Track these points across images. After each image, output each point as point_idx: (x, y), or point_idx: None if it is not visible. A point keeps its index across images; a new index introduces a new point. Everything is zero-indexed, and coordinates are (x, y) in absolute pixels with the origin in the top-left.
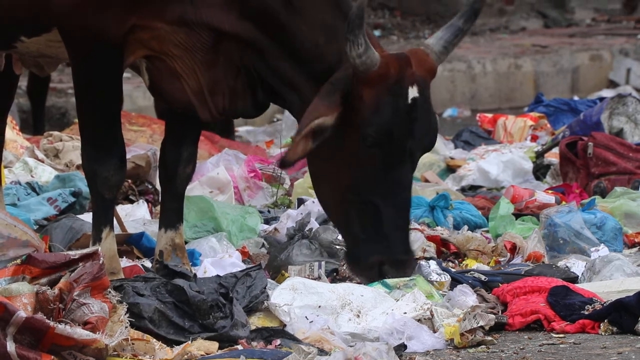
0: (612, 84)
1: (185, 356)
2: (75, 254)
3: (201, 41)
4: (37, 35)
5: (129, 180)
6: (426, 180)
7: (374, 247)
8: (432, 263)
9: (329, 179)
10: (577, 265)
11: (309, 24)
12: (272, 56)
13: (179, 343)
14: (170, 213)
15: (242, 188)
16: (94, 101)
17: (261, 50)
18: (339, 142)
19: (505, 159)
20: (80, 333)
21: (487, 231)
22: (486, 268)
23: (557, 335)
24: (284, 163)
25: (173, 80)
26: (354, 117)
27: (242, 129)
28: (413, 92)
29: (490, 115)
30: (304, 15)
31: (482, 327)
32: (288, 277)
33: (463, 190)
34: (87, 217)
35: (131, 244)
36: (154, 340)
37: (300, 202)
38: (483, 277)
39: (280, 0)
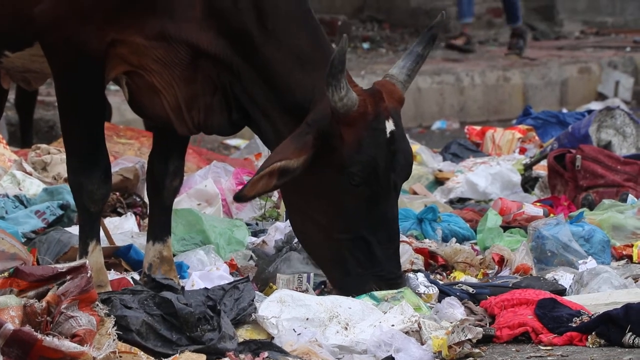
0: (601, 97)
1: None
2: (63, 267)
3: (179, 57)
4: (20, 50)
5: (117, 193)
6: (414, 193)
7: (367, 277)
8: (420, 275)
9: (315, 219)
10: (565, 278)
11: (283, 50)
12: (246, 79)
13: (166, 356)
14: (158, 226)
15: (230, 201)
16: (77, 115)
17: (237, 72)
18: (321, 184)
19: (493, 172)
20: (68, 346)
21: (476, 243)
22: (474, 280)
23: (544, 348)
24: (240, 198)
25: (151, 95)
26: (335, 157)
27: (231, 141)
28: (390, 126)
29: (478, 128)
30: (278, 41)
31: (469, 339)
32: (276, 289)
33: (451, 202)
34: (75, 229)
35: (119, 256)
36: (142, 353)
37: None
38: (471, 290)
39: (255, 23)
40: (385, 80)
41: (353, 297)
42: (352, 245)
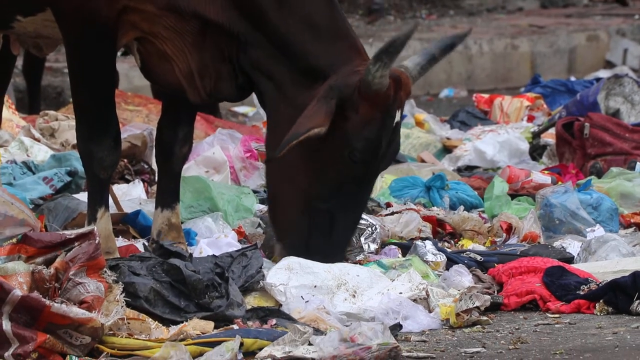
0: (609, 65)
1: (181, 335)
2: (71, 233)
3: (190, 26)
4: (32, 15)
5: (125, 160)
6: (422, 161)
7: (314, 250)
8: (428, 243)
9: (297, 180)
10: (572, 246)
11: (296, 18)
12: (256, 48)
13: (174, 322)
14: (167, 193)
15: (238, 168)
16: (88, 82)
17: (245, 41)
18: (319, 149)
19: (501, 140)
20: (76, 312)
21: (483, 211)
22: (482, 248)
23: (552, 316)
24: (272, 159)
25: (163, 62)
26: (344, 127)
27: (239, 109)
28: (398, 115)
29: (486, 96)
30: (292, 11)
31: (477, 307)
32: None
33: (459, 170)
34: (83, 196)
35: (127, 223)
36: (150, 319)
37: None
38: (479, 258)
39: None
40: (401, 71)
41: (361, 263)
42: (319, 217)
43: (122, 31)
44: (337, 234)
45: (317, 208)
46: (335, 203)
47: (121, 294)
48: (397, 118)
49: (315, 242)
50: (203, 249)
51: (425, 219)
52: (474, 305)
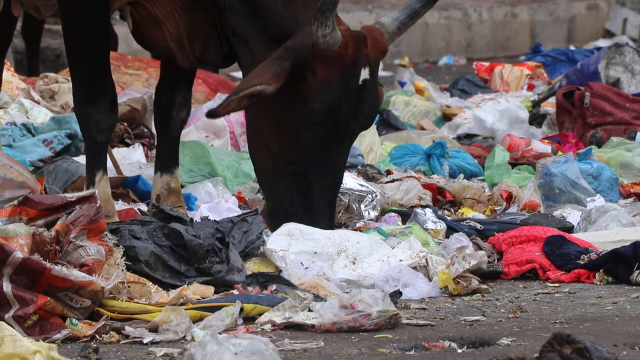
0: (609, 34)
1: (181, 300)
2: (72, 196)
3: None
4: None
5: (125, 124)
6: (422, 128)
7: (298, 218)
8: (428, 211)
9: (268, 145)
10: (572, 215)
11: None
12: (232, 11)
13: (174, 287)
14: (166, 157)
15: (238, 133)
16: (82, 45)
17: (224, 5)
18: (282, 112)
19: (501, 108)
20: (76, 275)
21: (483, 180)
22: (482, 217)
23: (552, 285)
24: (213, 115)
25: (154, 26)
26: (302, 89)
27: (237, 74)
28: (365, 74)
29: (487, 64)
30: None
31: (476, 274)
32: None
33: (459, 138)
34: (83, 159)
35: (127, 187)
36: (150, 283)
37: None
38: (479, 226)
39: None
40: (373, 27)
41: (361, 230)
42: (294, 181)
43: None
44: (315, 198)
45: (291, 172)
46: (307, 166)
47: (122, 257)
48: (365, 76)
49: (295, 207)
50: (203, 213)
51: (426, 186)
52: (470, 265)
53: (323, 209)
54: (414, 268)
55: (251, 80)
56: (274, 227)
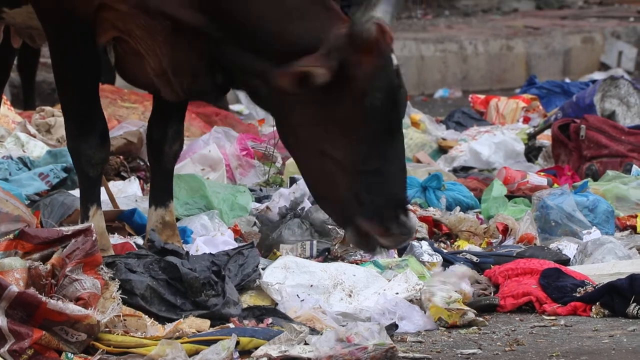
0: (604, 67)
1: (177, 333)
2: (67, 229)
3: (161, 25)
4: (17, 7)
5: (121, 157)
6: (418, 161)
7: (382, 213)
8: (424, 244)
9: (331, 155)
10: (569, 248)
11: (258, 6)
12: (227, 45)
13: (170, 320)
14: (160, 191)
15: (234, 166)
16: (71, 79)
17: (217, 39)
18: (339, 116)
19: (497, 141)
20: (72, 309)
21: (479, 212)
22: (478, 249)
23: (548, 318)
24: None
25: (136, 60)
26: (353, 86)
27: (235, 107)
28: (395, 59)
29: (482, 97)
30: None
31: (472, 306)
32: (280, 255)
33: (455, 171)
34: (79, 193)
35: (123, 220)
36: (146, 316)
37: (292, 180)
38: (475, 259)
39: None
40: (380, 20)
41: (358, 263)
42: (369, 179)
43: (101, 29)
44: (394, 184)
45: (363, 171)
46: (377, 159)
47: (117, 291)
48: (395, 61)
49: (373, 203)
50: (199, 246)
51: (422, 219)
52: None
53: (401, 189)
54: (410, 301)
55: (301, 62)
56: (362, 245)
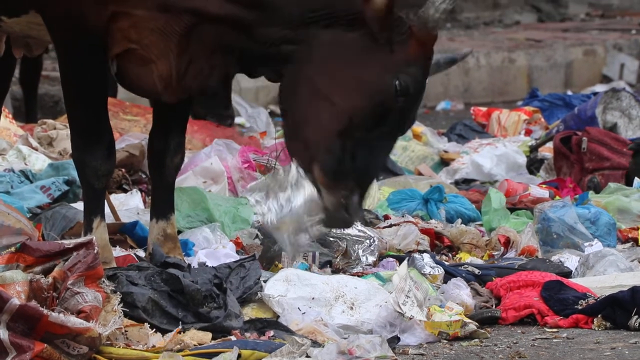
0: (606, 79)
1: (178, 345)
2: (69, 242)
3: (180, 25)
4: (17, 17)
5: (123, 170)
6: (420, 174)
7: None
8: (426, 256)
9: (338, 98)
10: (570, 260)
11: None
12: (262, 24)
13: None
14: (161, 203)
15: (235, 179)
16: (79, 91)
17: (248, 25)
18: (367, 77)
19: (499, 153)
20: (73, 322)
21: (481, 225)
22: (480, 262)
23: (550, 330)
24: None
25: (140, 67)
26: (394, 58)
27: (237, 119)
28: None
29: (484, 109)
30: None
31: (474, 319)
32: (282, 268)
33: (456, 183)
34: (81, 205)
35: (125, 233)
36: (147, 325)
37: None
38: (477, 271)
39: None
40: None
41: (359, 276)
42: (353, 144)
43: (113, 40)
44: (364, 163)
45: (352, 135)
46: (371, 134)
47: (119, 303)
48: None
49: (347, 168)
50: (201, 259)
51: (423, 231)
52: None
53: (366, 181)
54: None
55: None
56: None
